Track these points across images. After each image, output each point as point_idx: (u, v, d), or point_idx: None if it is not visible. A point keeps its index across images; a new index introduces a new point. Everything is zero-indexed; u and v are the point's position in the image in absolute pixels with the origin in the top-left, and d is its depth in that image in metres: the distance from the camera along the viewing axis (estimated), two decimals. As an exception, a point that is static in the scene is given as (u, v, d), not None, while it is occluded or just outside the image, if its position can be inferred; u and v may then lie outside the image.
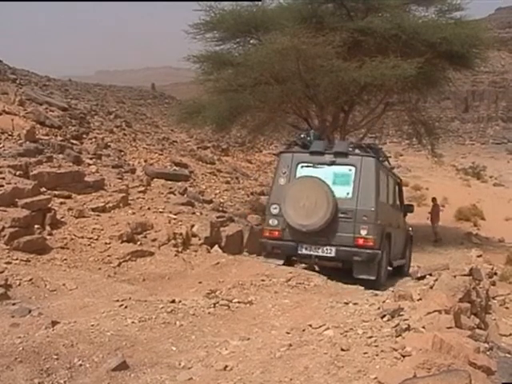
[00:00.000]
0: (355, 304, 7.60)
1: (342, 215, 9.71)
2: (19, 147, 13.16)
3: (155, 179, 16.36)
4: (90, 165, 14.69)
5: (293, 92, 17.85)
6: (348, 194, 9.87)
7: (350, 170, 9.98)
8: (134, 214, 12.27)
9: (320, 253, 9.88)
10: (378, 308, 7.08)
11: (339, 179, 9.98)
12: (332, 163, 10.08)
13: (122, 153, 19.37)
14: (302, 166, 10.27)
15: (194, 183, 19.72)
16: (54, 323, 6.20)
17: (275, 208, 10.19)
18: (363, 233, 9.63)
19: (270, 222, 10.33)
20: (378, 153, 10.87)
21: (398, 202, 12.31)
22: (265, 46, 17.12)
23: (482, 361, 5.10)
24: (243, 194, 21.68)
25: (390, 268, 11.13)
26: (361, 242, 9.64)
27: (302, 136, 11.16)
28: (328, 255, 9.85)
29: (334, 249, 9.77)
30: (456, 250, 18.27)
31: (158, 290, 9.00)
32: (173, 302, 7.53)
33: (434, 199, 22.71)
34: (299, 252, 10.06)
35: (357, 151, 10.40)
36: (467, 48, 18.53)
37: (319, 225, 9.63)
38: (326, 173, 9.98)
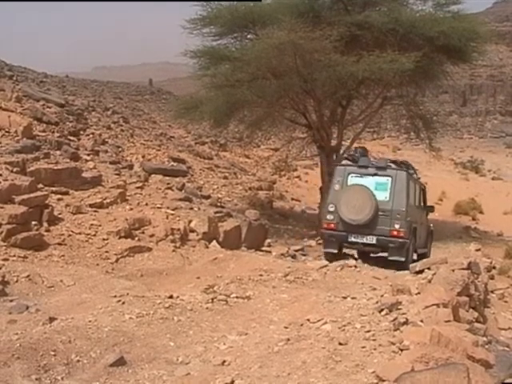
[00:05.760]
0: (353, 298, 7.60)
1: (381, 213, 12.54)
2: (16, 144, 13.14)
3: (153, 175, 16.35)
4: (87, 161, 14.67)
5: (290, 87, 17.78)
6: (386, 197, 12.71)
7: (388, 180, 12.88)
8: (131, 209, 12.26)
9: (364, 241, 12.70)
10: (376, 302, 7.08)
11: (379, 186, 12.85)
12: (374, 174, 13.00)
13: (120, 149, 19.34)
14: (352, 176, 13.11)
15: (192, 179, 19.71)
16: (51, 319, 6.20)
17: (331, 207, 12.96)
18: (397, 226, 12.49)
19: (328, 217, 13.07)
20: (409, 167, 14.08)
21: (422, 204, 14.99)
22: (262, 41, 17.02)
23: (481, 354, 5.10)
24: (241, 189, 21.68)
25: (415, 254, 13.60)
26: (395, 233, 12.49)
27: (351, 153, 14.30)
28: (370, 242, 12.70)
29: (375, 238, 12.61)
30: (454, 244, 18.24)
31: (155, 285, 9.00)
32: (170, 297, 7.53)
33: None
34: (349, 240, 12.82)
35: (393, 166, 13.41)
36: (465, 42, 18.44)
37: (365, 220, 12.45)
38: (369, 182, 12.87)
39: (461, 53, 19.30)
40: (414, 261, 12.60)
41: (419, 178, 15.17)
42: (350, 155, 14.24)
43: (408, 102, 21.44)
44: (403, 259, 12.40)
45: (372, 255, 13.54)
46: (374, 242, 12.66)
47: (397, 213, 12.53)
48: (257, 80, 17.30)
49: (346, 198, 12.66)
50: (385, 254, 12.92)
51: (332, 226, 12.91)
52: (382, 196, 12.67)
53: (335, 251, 12.93)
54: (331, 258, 12.56)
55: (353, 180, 13.05)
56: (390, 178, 12.87)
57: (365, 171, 13.10)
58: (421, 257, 13.46)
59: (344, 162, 14.16)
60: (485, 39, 19.79)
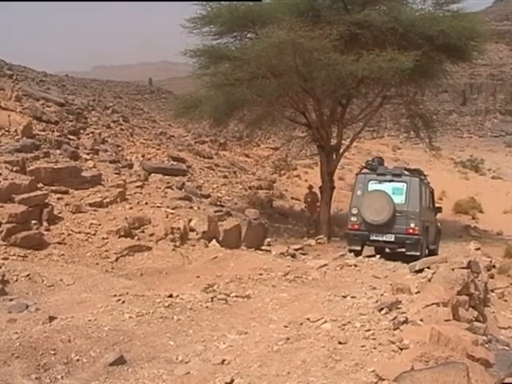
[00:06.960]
0: (353, 297, 7.59)
1: (398, 214, 14.37)
2: (16, 143, 13.13)
3: (153, 174, 16.34)
4: (87, 160, 14.67)
5: (290, 86, 17.78)
6: (402, 200, 14.55)
7: (403, 185, 14.75)
8: (131, 208, 12.26)
9: (384, 238, 14.51)
10: (376, 301, 7.08)
11: (396, 191, 14.67)
12: (391, 181, 14.87)
13: (120, 148, 19.34)
14: (372, 183, 14.97)
15: (192, 178, 19.70)
16: (51, 318, 6.20)
17: (355, 210, 14.80)
18: (412, 225, 14.33)
19: (352, 218, 14.89)
20: (421, 174, 15.94)
21: (431, 205, 16.77)
22: (262, 40, 16.99)
23: (480, 353, 5.09)
24: (241, 188, 21.67)
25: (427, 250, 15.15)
26: (410, 231, 14.33)
27: (370, 162, 15.92)
28: (389, 240, 14.50)
29: (393, 236, 14.42)
30: (454, 243, 18.25)
31: (155, 284, 8.99)
32: (170, 296, 7.53)
33: (310, 186, 21.03)
34: (371, 238, 14.62)
35: (407, 173, 15.35)
36: (464, 41, 18.41)
37: (384, 220, 14.24)
38: (387, 187, 14.70)
39: (460, 52, 19.27)
40: (426, 255, 13.78)
41: (429, 183, 16.76)
42: (368, 164, 15.99)
43: (408, 101, 21.41)
44: (418, 253, 13.96)
45: (387, 250, 15.32)
46: (393, 239, 14.48)
47: (412, 213, 14.39)
48: (256, 79, 17.29)
49: (367, 202, 14.50)
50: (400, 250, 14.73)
51: (356, 226, 14.79)
52: (399, 199, 14.53)
53: (359, 248, 14.76)
54: (356, 254, 14.35)
55: (372, 186, 14.91)
56: (405, 184, 14.76)
57: (383, 178, 15.01)
58: (431, 252, 15.22)
59: (364, 170, 15.94)
60: (485, 38, 19.76)
